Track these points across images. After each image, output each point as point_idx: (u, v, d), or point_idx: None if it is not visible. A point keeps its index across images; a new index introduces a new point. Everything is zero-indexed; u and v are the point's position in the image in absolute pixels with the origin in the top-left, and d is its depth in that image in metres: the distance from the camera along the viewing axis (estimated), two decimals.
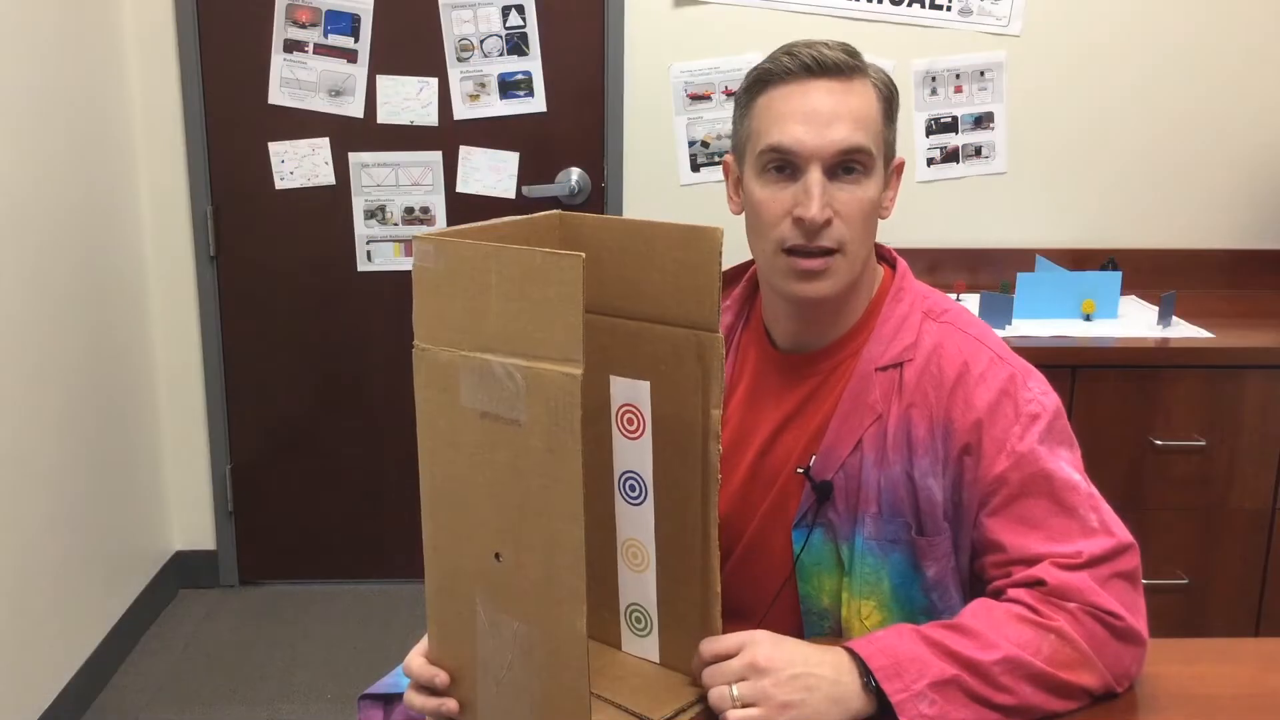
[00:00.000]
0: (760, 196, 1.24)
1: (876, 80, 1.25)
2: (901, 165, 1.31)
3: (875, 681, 1.04)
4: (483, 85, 2.98)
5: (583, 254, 0.87)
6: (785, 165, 1.22)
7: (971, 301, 2.68)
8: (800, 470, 1.26)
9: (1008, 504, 1.18)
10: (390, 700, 1.21)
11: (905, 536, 1.23)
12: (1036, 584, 1.13)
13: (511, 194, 3.04)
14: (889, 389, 1.24)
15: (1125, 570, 1.14)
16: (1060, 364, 2.39)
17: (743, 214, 1.29)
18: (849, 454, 1.24)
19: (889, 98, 1.26)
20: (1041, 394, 1.22)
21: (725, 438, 1.30)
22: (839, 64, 1.21)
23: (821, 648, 1.08)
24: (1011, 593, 1.13)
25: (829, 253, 1.21)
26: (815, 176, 1.19)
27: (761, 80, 1.25)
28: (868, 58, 1.26)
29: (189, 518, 3.23)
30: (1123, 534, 1.16)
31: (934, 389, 1.22)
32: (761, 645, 1.05)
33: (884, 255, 1.35)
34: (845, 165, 1.21)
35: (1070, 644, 1.08)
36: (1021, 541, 1.16)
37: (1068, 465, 1.19)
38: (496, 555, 0.98)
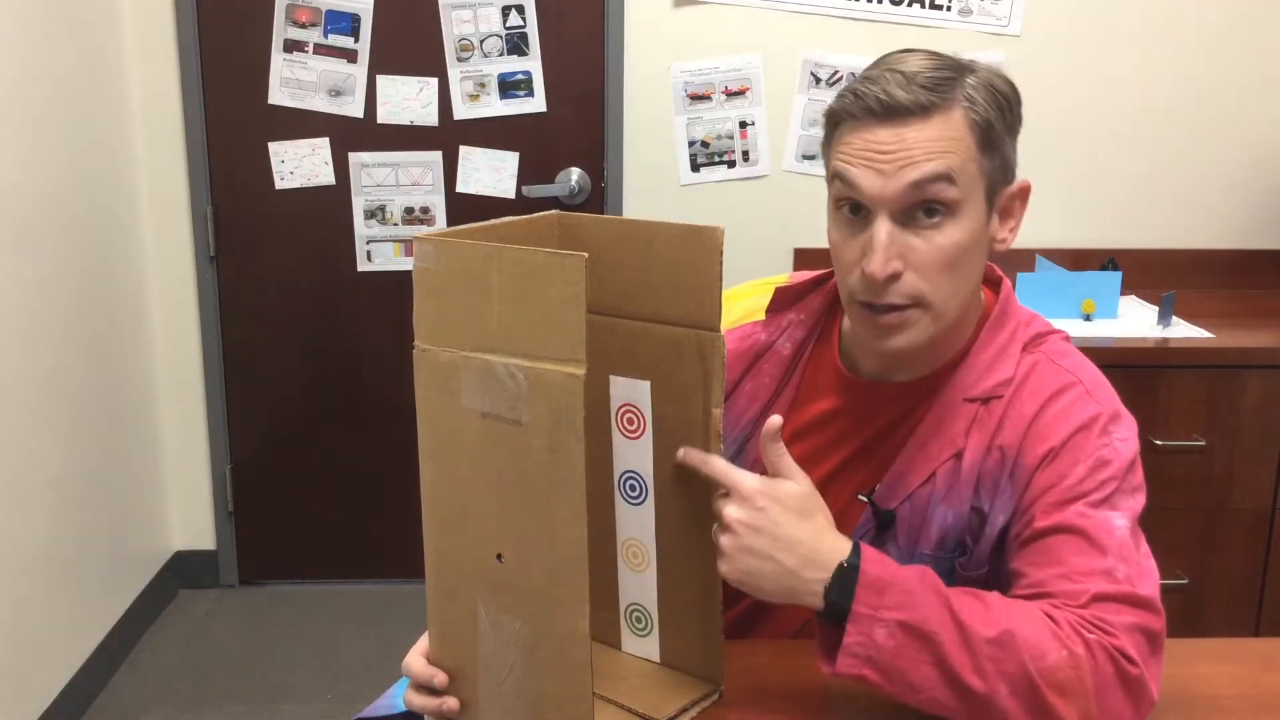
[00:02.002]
0: (834, 239, 1.15)
1: (969, 105, 1.09)
2: (1027, 190, 1.17)
3: (853, 579, 0.98)
4: (483, 85, 2.98)
5: (585, 254, 0.87)
6: (855, 208, 1.11)
7: None
8: (863, 497, 1.18)
9: (1035, 539, 1.08)
10: None
11: (952, 564, 1.16)
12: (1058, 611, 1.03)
13: (511, 194, 3.04)
14: (974, 423, 1.15)
15: (1144, 625, 1.02)
16: None
17: None
18: (919, 485, 1.16)
19: (985, 124, 1.10)
20: (1120, 440, 1.11)
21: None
22: (909, 106, 1.07)
23: (815, 528, 1.02)
24: (1040, 605, 1.03)
25: (903, 307, 1.10)
26: (882, 227, 1.08)
27: (832, 118, 1.14)
28: (979, 58, 1.15)
29: (189, 518, 3.23)
30: (1146, 591, 1.04)
31: (1014, 421, 1.14)
32: (773, 501, 1.01)
33: (988, 276, 1.23)
34: (922, 208, 1.09)
35: (1076, 671, 0.97)
36: (1039, 575, 1.06)
37: (1113, 512, 1.08)
38: (498, 556, 0.98)
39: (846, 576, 0.99)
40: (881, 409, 1.21)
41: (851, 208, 1.12)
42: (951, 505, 1.15)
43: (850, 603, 0.98)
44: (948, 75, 1.10)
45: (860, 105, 1.09)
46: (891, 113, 1.08)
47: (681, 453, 1.04)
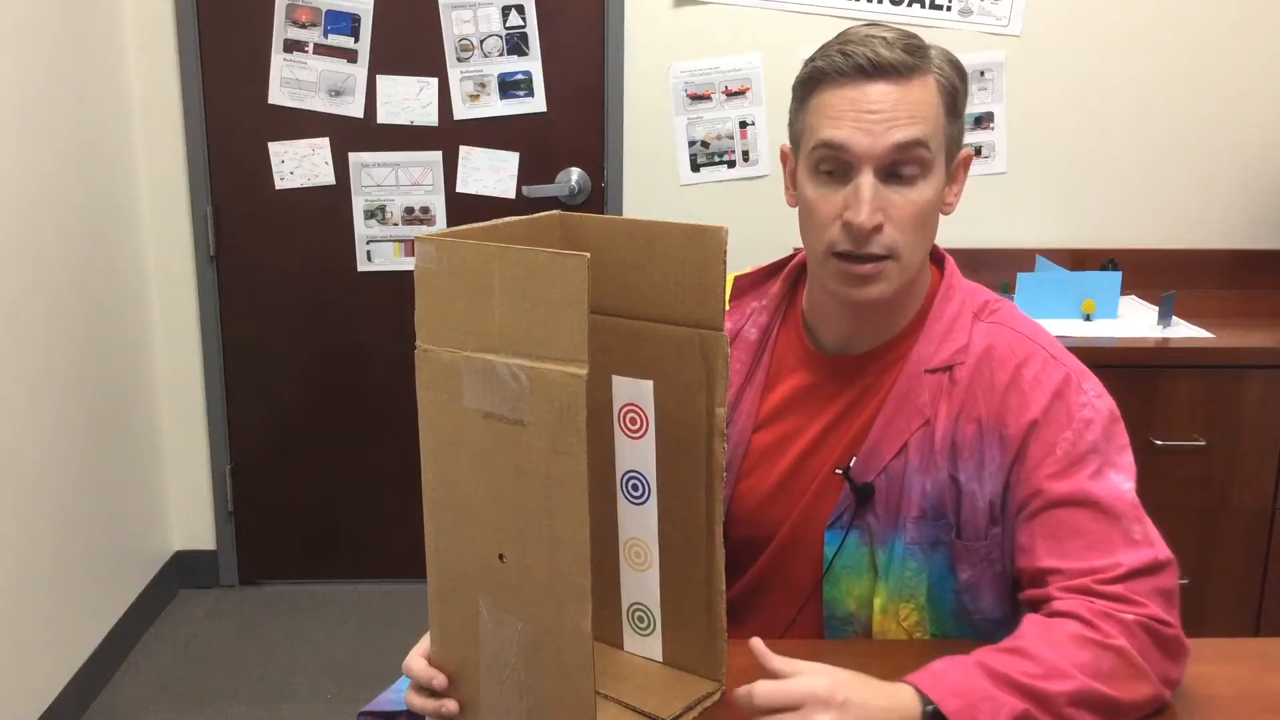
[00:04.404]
0: (811, 196, 1.20)
1: (940, 74, 1.18)
2: (969, 158, 1.25)
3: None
4: (483, 85, 2.98)
5: (587, 254, 0.87)
6: (837, 166, 1.17)
7: None
8: (839, 471, 1.23)
9: (1047, 509, 1.14)
10: (391, 718, 1.19)
11: (946, 538, 1.21)
12: (1083, 592, 1.10)
13: (511, 194, 3.04)
14: (939, 392, 1.21)
15: (1166, 587, 1.12)
16: None
17: (795, 208, 1.25)
18: (893, 457, 1.21)
19: (953, 91, 1.19)
20: (1096, 397, 1.18)
21: (764, 439, 1.29)
22: (896, 65, 1.15)
23: (887, 690, 1.00)
24: (1061, 605, 1.10)
25: (880, 258, 1.17)
26: (867, 180, 1.15)
27: (815, 77, 1.19)
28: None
29: (189, 518, 3.23)
30: (1163, 550, 1.13)
31: (986, 392, 1.19)
32: (846, 687, 0.98)
33: (932, 254, 1.30)
34: (900, 167, 1.16)
35: (1128, 659, 1.05)
36: (1060, 549, 1.12)
37: (1116, 474, 1.15)
38: (500, 556, 0.98)
39: (939, 717, 1.00)
40: (848, 381, 1.26)
41: (829, 168, 1.17)
42: (928, 474, 1.20)
43: None
44: (917, 44, 1.18)
45: (850, 63, 1.15)
46: (880, 71, 1.15)
47: (741, 693, 0.99)
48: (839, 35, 1.20)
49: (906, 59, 1.15)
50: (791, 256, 1.35)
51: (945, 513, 1.20)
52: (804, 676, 0.98)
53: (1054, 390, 1.17)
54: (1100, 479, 1.14)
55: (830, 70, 1.17)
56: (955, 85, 1.19)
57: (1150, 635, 1.08)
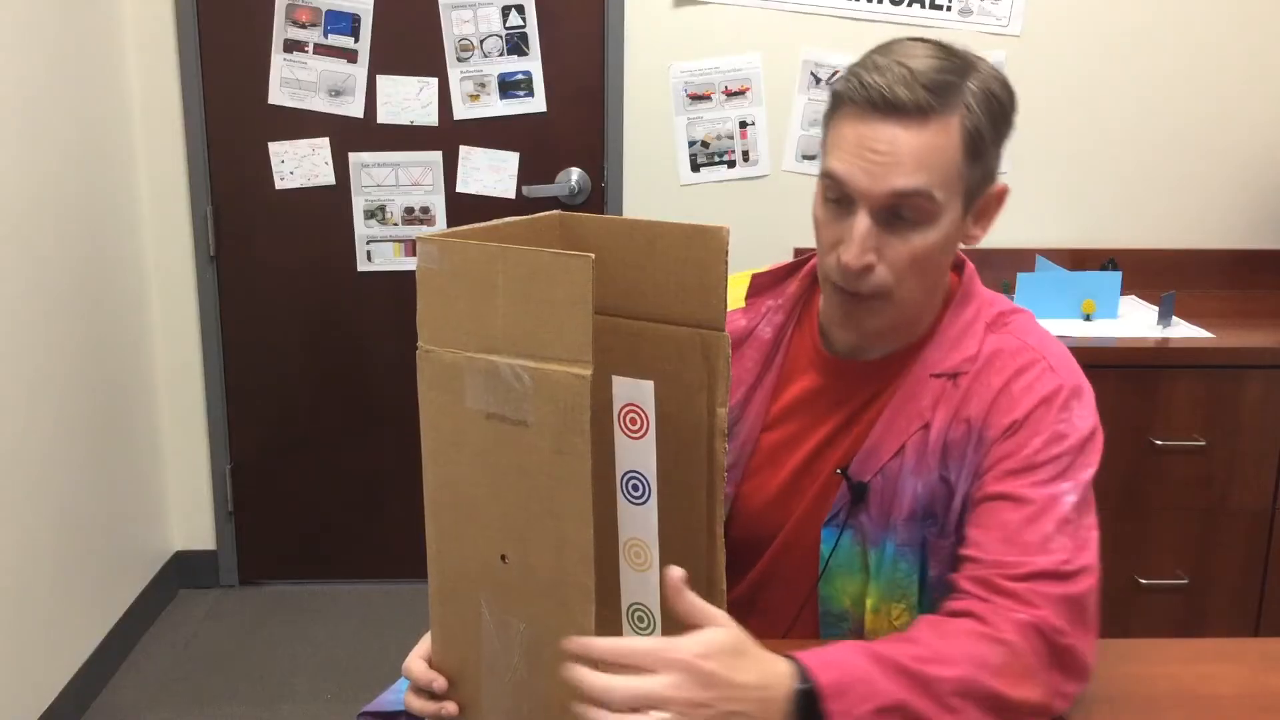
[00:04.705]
0: (818, 217, 1.19)
1: (966, 113, 1.12)
2: (1003, 193, 1.22)
3: (815, 695, 0.97)
4: (483, 85, 2.98)
5: (592, 255, 0.87)
6: (841, 196, 1.15)
7: None
8: (839, 471, 1.23)
9: (984, 501, 1.15)
10: (391, 719, 1.20)
11: (931, 538, 1.21)
12: (985, 585, 1.09)
13: (511, 194, 3.04)
14: (940, 397, 1.20)
15: (1072, 595, 1.09)
16: None
17: None
18: (890, 458, 1.21)
19: (976, 134, 1.13)
20: (1079, 416, 1.17)
21: (772, 439, 1.29)
22: (911, 106, 1.10)
23: (762, 663, 0.97)
24: (958, 603, 1.10)
25: (869, 297, 1.16)
26: (861, 221, 1.13)
27: (837, 98, 1.16)
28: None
29: (189, 518, 3.23)
30: (1082, 561, 1.10)
31: (980, 395, 1.19)
32: (716, 656, 0.94)
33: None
34: (901, 210, 1.13)
35: (1017, 656, 1.04)
36: (980, 539, 1.13)
37: (1063, 484, 1.13)
38: (502, 557, 0.98)
39: (807, 697, 0.97)
40: (857, 386, 1.26)
41: (834, 197, 1.16)
42: (921, 476, 1.20)
43: (821, 718, 0.97)
44: (951, 79, 1.12)
45: (863, 95, 1.11)
46: (893, 110, 1.10)
47: (578, 646, 0.94)
48: (879, 48, 1.16)
49: (926, 99, 1.10)
50: (810, 257, 1.33)
51: (936, 513, 1.20)
52: (688, 637, 0.94)
53: (1041, 398, 1.16)
54: (1043, 486, 1.13)
55: (845, 94, 1.14)
56: (980, 127, 1.13)
57: (1042, 639, 1.06)
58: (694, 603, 0.97)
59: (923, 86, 1.10)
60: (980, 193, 1.18)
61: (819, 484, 1.26)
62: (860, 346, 1.25)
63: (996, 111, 1.15)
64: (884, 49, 1.16)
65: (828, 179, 1.15)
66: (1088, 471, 1.15)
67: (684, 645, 0.94)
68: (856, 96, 1.12)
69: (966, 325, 1.23)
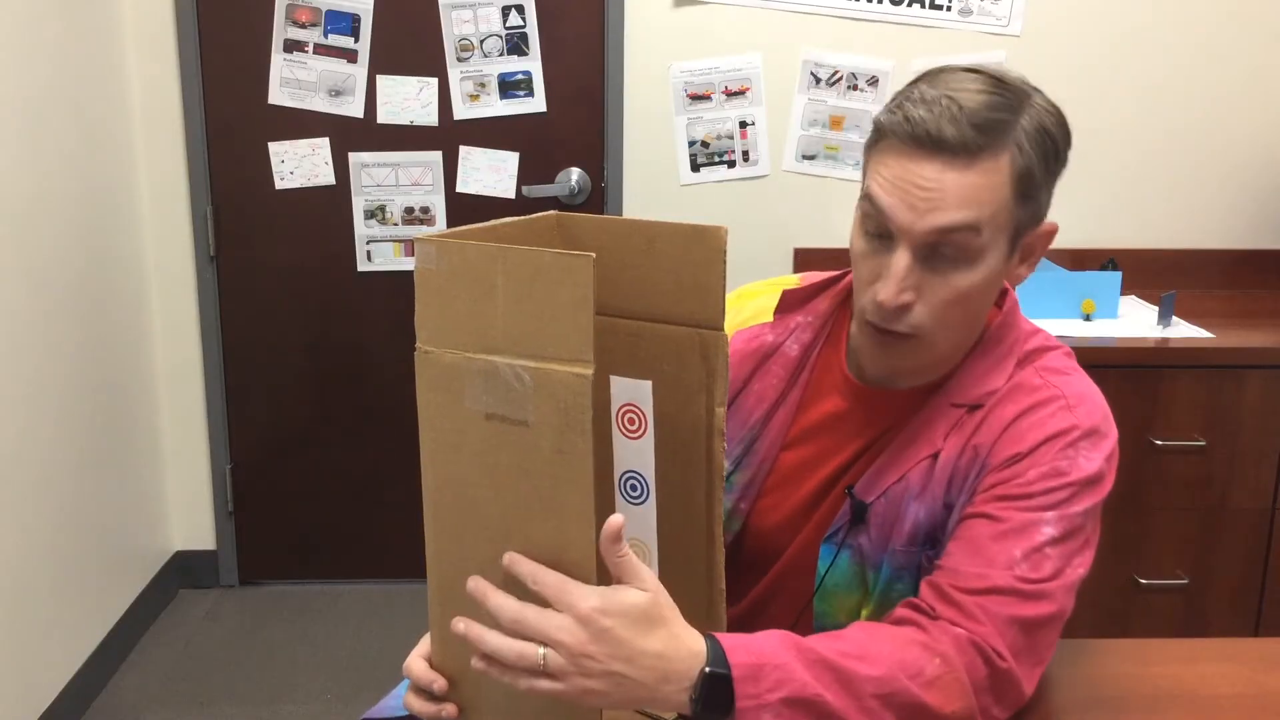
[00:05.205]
0: (856, 249, 1.14)
1: (1017, 152, 1.07)
2: (1051, 232, 1.17)
3: (725, 678, 0.94)
4: (483, 85, 2.98)
5: (593, 254, 0.87)
6: (880, 229, 1.10)
7: None
8: (847, 490, 1.20)
9: (964, 519, 1.12)
10: None
11: (927, 561, 1.18)
12: (936, 592, 1.07)
13: (511, 194, 3.04)
14: (955, 426, 1.17)
15: (1022, 619, 1.05)
16: None
17: None
18: (894, 482, 1.18)
19: (1027, 173, 1.08)
20: (1085, 457, 1.12)
21: (791, 459, 1.26)
22: (957, 145, 1.04)
23: (675, 635, 0.94)
24: (904, 610, 1.07)
25: (905, 335, 1.12)
26: (901, 258, 1.08)
27: (879, 130, 1.11)
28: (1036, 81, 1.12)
29: (189, 518, 3.23)
30: (1044, 588, 1.06)
31: (990, 426, 1.15)
32: (617, 617, 0.91)
33: None
34: (942, 248, 1.08)
35: (950, 669, 1.01)
36: (951, 549, 1.10)
37: (1046, 513, 1.09)
38: (503, 557, 0.98)
39: (717, 678, 0.94)
40: (883, 414, 1.22)
41: (875, 230, 1.11)
42: (924, 502, 1.17)
43: (731, 701, 0.95)
44: (1002, 116, 1.07)
45: (907, 130, 1.06)
46: (937, 147, 1.05)
47: (507, 559, 0.93)
48: (927, 77, 1.11)
49: (974, 138, 1.04)
50: (844, 274, 1.30)
51: (937, 538, 1.17)
52: (598, 589, 0.91)
53: (1049, 434, 1.12)
54: (1025, 512, 1.09)
55: (889, 130, 1.09)
56: (1031, 166, 1.08)
57: (980, 658, 1.02)
58: (624, 559, 0.93)
59: (971, 125, 1.05)
60: (1027, 232, 1.14)
61: (829, 500, 1.24)
62: (891, 377, 1.21)
63: (1049, 150, 1.10)
64: (932, 78, 1.11)
65: (867, 204, 1.11)
66: (1078, 507, 1.10)
67: (588, 595, 0.91)
68: (900, 131, 1.07)
69: (999, 359, 1.19)
